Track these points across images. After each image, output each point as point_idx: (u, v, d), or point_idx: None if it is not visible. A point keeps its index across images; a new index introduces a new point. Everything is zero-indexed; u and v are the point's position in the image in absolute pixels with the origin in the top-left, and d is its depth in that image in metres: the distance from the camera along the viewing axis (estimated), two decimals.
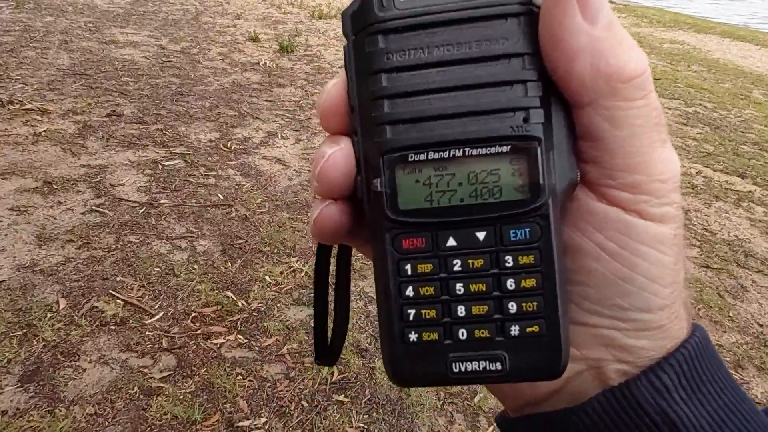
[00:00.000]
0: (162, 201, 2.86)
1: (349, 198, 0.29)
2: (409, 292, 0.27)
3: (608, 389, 0.28)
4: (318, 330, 0.40)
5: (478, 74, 0.26)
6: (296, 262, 2.55)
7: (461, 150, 0.26)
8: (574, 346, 0.29)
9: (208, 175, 3.21)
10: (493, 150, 0.25)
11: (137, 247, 2.49)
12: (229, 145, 3.61)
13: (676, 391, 0.27)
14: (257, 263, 2.48)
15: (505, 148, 0.25)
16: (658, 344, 0.28)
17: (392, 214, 0.27)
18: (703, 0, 16.00)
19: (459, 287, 0.27)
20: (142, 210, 2.76)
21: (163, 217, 2.72)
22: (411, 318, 0.27)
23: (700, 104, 6.37)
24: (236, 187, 3.11)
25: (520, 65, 0.25)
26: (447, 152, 0.26)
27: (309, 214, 0.31)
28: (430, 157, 0.26)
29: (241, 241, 2.63)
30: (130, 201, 2.82)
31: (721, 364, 0.29)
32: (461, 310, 0.27)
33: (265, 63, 5.46)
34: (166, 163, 3.26)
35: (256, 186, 3.15)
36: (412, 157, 0.26)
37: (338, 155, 0.28)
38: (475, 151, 0.26)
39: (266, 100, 4.45)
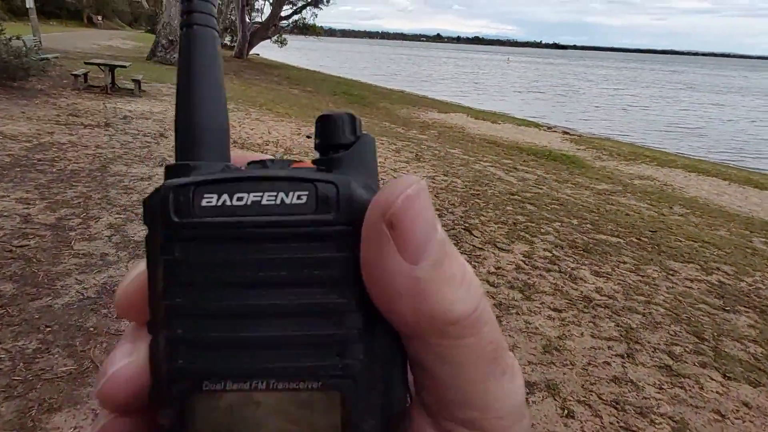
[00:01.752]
0: None
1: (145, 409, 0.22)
2: None
3: None
4: None
5: (290, 301, 0.20)
6: None
7: (265, 383, 0.20)
8: None
9: None
10: (302, 385, 0.20)
11: None
12: None
13: None
14: None
15: (315, 385, 0.20)
16: None
17: None
18: (661, 132, 15.99)
19: None
20: None
21: None
22: None
23: (718, 269, 5.00)
24: None
25: (338, 294, 0.20)
26: (249, 384, 0.20)
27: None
28: (228, 388, 0.20)
29: None
30: None
31: None
32: None
33: None
34: None
35: None
36: (207, 386, 0.20)
37: (122, 374, 0.21)
38: (281, 385, 0.20)
39: None
